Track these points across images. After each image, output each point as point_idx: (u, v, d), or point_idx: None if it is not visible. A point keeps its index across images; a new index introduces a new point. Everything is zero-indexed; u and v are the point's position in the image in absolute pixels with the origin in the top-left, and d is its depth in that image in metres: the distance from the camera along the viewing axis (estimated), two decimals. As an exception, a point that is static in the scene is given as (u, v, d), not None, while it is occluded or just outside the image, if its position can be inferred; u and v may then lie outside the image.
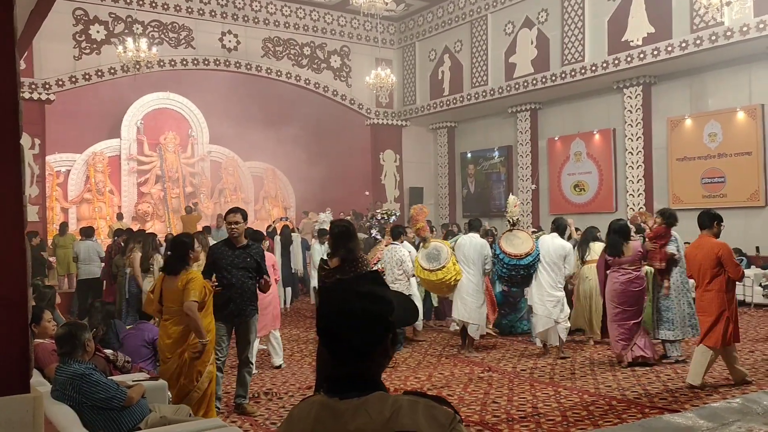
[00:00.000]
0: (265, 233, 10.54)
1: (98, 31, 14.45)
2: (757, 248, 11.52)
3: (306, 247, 13.33)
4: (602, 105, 14.24)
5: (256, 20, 16.30)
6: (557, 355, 7.58)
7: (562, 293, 7.62)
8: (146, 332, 6.70)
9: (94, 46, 14.39)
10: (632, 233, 7.72)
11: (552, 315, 7.47)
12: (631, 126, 13.37)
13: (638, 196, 13.28)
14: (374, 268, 7.44)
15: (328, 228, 7.46)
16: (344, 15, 17.50)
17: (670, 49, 11.79)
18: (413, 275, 8.25)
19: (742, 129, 11.80)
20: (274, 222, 15.51)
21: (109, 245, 11.32)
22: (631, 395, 5.89)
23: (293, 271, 12.83)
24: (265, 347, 7.59)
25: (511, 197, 8.55)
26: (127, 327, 6.87)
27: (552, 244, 7.60)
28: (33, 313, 4.88)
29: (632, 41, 12.47)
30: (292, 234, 13.22)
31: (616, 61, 12.76)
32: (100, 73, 14.39)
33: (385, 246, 8.66)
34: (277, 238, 12.69)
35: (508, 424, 5.18)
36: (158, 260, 8.82)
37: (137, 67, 12.86)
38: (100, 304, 6.57)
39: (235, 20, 15.98)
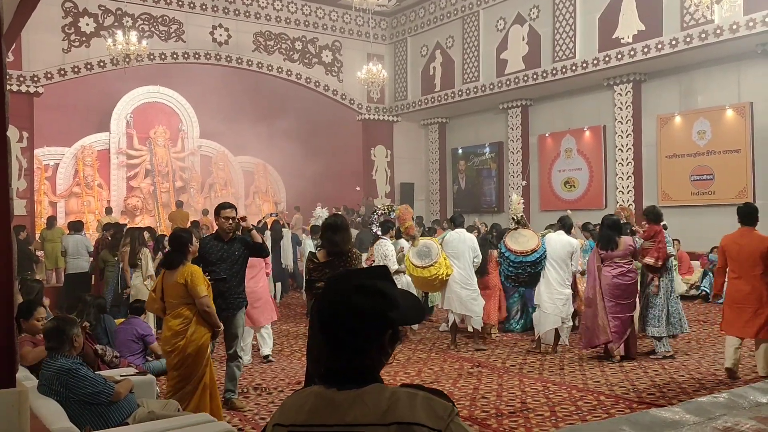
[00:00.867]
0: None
1: (88, 24, 14.32)
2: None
3: (297, 242, 13.32)
4: (593, 102, 14.28)
5: (248, 14, 16.22)
6: (552, 351, 7.63)
7: (570, 290, 7.65)
8: (137, 327, 6.70)
9: (84, 38, 14.26)
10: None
11: (561, 313, 7.51)
12: (621, 123, 13.42)
13: (628, 192, 13.34)
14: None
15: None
16: (336, 10, 17.45)
17: (660, 46, 11.84)
18: (396, 272, 8.22)
19: (731, 127, 11.88)
20: (264, 217, 15.46)
21: (98, 239, 11.27)
22: (619, 390, 5.94)
23: (283, 266, 12.82)
24: (255, 343, 7.57)
25: (514, 196, 8.52)
26: (117, 322, 6.85)
27: (559, 241, 7.63)
28: (25, 308, 4.87)
29: (623, 38, 12.51)
30: (283, 229, 13.19)
31: (607, 58, 12.80)
32: (89, 66, 14.27)
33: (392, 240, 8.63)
34: (268, 233, 12.65)
35: (497, 419, 5.21)
36: (146, 255, 8.79)
37: (127, 60, 12.75)
38: (91, 298, 6.53)
39: (226, 14, 15.88)
